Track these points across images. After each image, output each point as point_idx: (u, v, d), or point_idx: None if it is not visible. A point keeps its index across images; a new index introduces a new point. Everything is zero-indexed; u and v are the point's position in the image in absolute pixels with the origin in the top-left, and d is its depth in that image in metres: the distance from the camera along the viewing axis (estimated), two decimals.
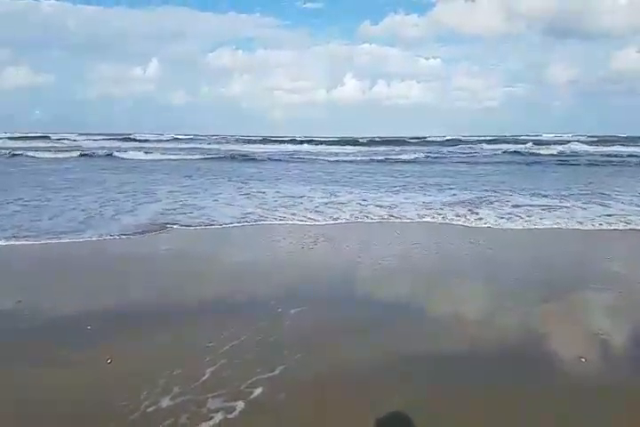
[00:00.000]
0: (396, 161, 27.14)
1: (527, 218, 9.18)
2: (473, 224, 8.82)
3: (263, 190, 13.07)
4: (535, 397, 3.22)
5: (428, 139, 55.73)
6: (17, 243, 7.04)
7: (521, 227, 8.60)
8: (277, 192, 12.70)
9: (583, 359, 3.70)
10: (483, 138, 52.00)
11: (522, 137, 55.90)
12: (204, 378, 3.38)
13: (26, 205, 10.26)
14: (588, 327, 4.38)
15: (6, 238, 7.18)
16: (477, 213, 9.58)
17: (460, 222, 8.95)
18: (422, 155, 30.18)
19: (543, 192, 12.68)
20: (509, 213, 9.60)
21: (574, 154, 32.27)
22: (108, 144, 40.56)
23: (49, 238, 7.26)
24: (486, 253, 7.18)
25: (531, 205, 10.53)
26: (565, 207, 10.34)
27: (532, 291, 5.32)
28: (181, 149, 35.77)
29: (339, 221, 9.07)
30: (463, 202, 11.01)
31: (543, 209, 10.09)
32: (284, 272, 6.05)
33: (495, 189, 13.26)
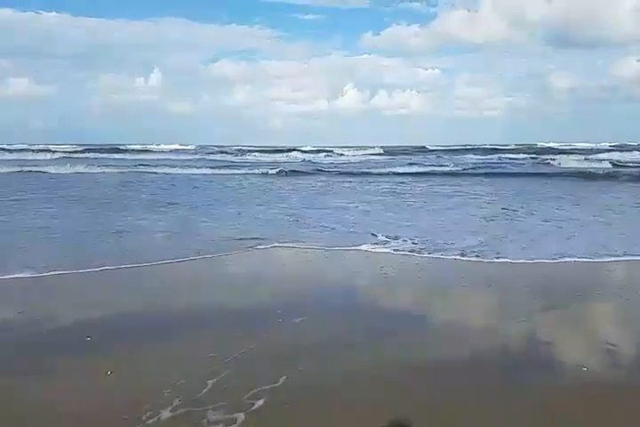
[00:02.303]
0: (433, 173, 23.66)
1: None
2: None
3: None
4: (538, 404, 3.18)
5: (435, 147, 55.33)
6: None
7: None
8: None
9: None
10: (500, 147, 50.58)
11: (528, 145, 55.22)
12: (205, 390, 3.34)
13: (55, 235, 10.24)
14: None
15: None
16: None
17: None
18: (460, 167, 26.48)
19: None
20: None
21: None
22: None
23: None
24: None
25: None
26: None
27: None
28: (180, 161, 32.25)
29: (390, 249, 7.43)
30: None
31: None
32: None
33: None
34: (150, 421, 2.99)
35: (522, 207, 11.65)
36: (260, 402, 3.19)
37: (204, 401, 3.19)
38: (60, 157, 36.18)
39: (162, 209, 11.50)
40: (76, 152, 44.55)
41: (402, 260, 6.95)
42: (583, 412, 3.12)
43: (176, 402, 3.18)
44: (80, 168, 24.43)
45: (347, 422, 3.04)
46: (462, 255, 6.97)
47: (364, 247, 7.52)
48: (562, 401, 3.25)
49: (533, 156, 35.48)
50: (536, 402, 3.24)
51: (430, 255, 7.04)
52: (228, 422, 2.97)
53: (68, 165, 25.31)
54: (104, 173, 23.45)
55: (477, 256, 6.93)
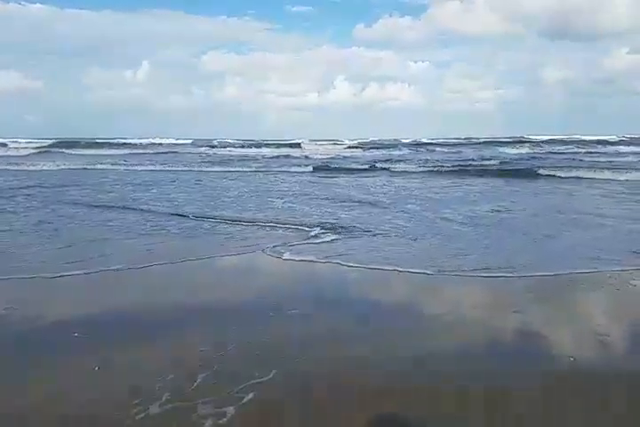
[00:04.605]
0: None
1: None
2: None
3: None
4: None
5: (430, 141, 54.94)
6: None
7: None
8: None
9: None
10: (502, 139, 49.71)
11: (519, 138, 54.83)
12: (195, 384, 3.31)
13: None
14: None
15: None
16: None
17: None
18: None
19: None
20: None
21: None
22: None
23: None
24: None
25: None
26: None
27: None
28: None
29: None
30: None
31: None
32: None
33: None
34: (140, 416, 2.97)
35: None
36: (250, 396, 3.16)
37: (193, 396, 3.17)
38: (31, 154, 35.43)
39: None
40: (42, 147, 43.04)
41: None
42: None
43: (166, 397, 3.15)
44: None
45: (337, 415, 3.02)
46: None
47: None
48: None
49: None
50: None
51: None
52: (218, 416, 2.95)
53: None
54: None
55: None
